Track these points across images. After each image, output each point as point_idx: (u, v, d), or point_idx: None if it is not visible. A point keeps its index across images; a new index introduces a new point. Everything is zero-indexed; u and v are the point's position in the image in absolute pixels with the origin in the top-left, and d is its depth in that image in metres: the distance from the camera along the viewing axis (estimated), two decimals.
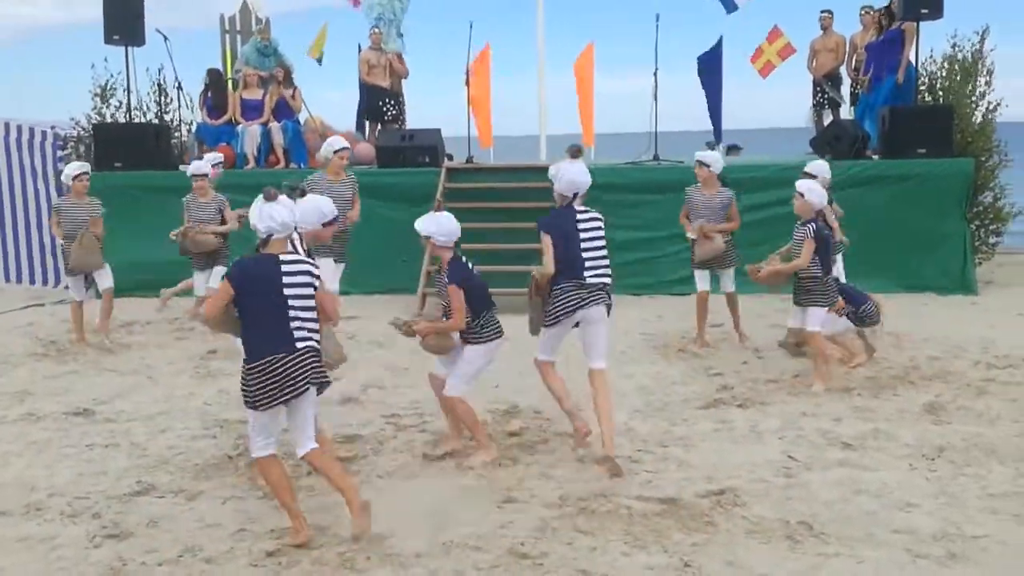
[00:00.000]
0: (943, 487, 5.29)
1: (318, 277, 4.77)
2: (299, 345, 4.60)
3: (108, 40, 12.25)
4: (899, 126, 11.35)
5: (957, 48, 12.18)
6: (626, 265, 11.58)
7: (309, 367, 4.62)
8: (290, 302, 4.61)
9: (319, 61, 14.66)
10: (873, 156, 11.85)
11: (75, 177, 9.09)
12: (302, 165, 12.88)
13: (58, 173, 12.83)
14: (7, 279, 13.13)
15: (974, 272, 11.37)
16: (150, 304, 11.27)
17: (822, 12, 13.33)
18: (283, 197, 4.82)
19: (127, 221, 11.93)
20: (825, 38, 13.32)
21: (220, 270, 9.08)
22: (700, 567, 4.37)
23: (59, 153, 12.88)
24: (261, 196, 4.70)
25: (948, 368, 7.85)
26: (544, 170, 11.55)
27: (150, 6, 12.49)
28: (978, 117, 11.98)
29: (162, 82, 13.45)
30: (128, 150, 12.24)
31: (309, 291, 4.69)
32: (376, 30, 13.63)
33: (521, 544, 4.61)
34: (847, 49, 13.25)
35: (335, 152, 8.54)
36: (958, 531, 4.69)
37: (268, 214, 4.66)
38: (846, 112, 13.66)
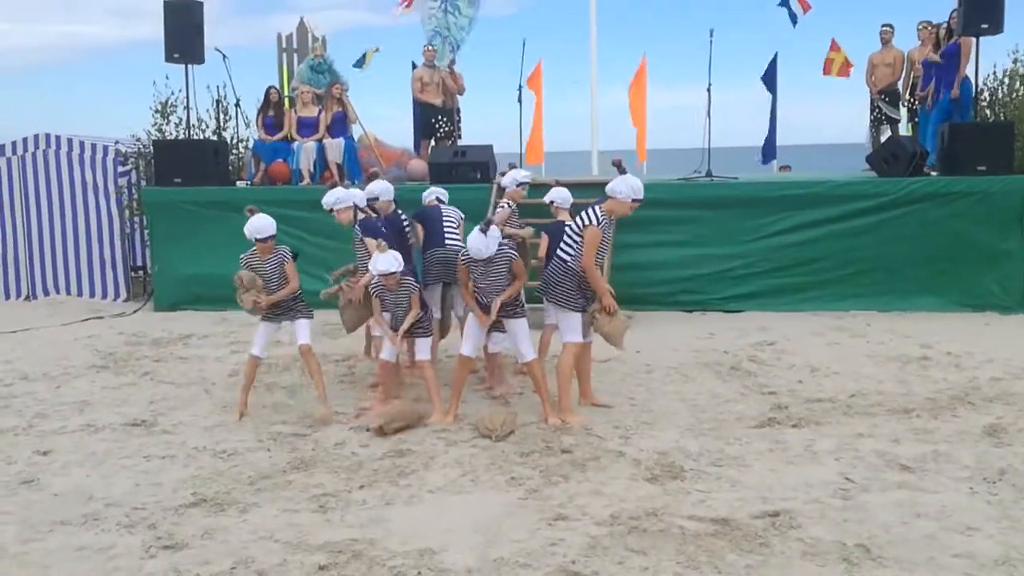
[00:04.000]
0: (1005, 511, 5.16)
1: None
2: None
3: (169, 58, 12.52)
4: (959, 142, 11.15)
5: (1019, 63, 11.96)
6: (677, 282, 11.51)
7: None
8: None
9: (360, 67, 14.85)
10: (932, 173, 11.66)
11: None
12: (356, 181, 13.02)
13: (119, 188, 13.15)
14: (68, 292, 13.42)
15: None
16: (207, 317, 11.49)
17: (883, 26, 13.18)
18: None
19: (186, 236, 12.22)
20: (884, 52, 13.16)
21: None
22: None
23: (119, 169, 13.17)
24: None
25: (1009, 389, 7.67)
26: (593, 185, 11.57)
27: (210, 25, 12.76)
28: None
29: (221, 99, 13.71)
30: (187, 166, 12.46)
31: None
32: (430, 47, 13.75)
33: (572, 562, 4.58)
34: (904, 64, 13.09)
35: None
36: (1020, 556, 4.57)
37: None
38: (903, 128, 13.47)
